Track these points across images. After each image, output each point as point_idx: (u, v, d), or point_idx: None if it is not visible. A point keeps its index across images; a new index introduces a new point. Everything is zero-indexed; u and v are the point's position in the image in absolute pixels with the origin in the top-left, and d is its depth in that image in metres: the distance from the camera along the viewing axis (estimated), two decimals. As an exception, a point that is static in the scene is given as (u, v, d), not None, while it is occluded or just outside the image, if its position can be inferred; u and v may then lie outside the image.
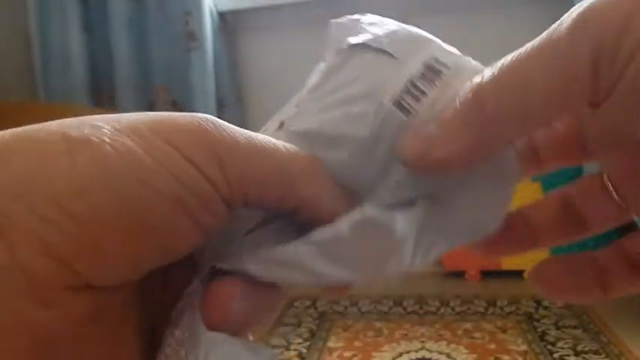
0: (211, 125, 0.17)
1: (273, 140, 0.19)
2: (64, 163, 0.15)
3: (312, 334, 1.63)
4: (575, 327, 1.58)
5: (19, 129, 0.17)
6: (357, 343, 1.55)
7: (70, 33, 1.96)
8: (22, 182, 0.15)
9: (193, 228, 0.16)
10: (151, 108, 2.00)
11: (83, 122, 0.17)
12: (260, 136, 0.18)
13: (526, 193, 2.03)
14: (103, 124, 0.16)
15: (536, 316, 1.66)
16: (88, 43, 2.01)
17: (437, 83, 0.21)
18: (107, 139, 0.16)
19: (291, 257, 0.18)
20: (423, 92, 0.21)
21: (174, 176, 0.16)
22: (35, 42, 2.05)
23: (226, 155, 0.17)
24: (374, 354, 1.49)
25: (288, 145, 0.19)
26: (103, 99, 2.06)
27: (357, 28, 0.24)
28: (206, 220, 0.17)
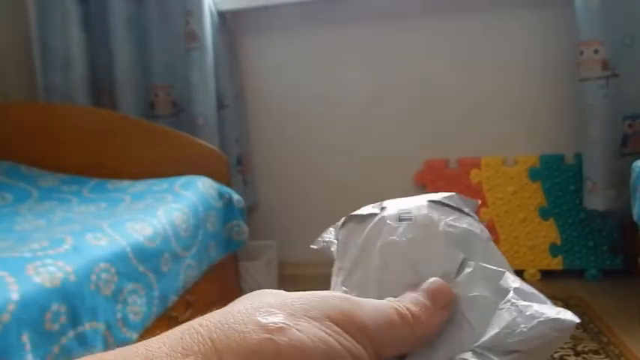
0: (354, 304, 0.25)
1: (387, 311, 0.25)
2: (268, 346, 0.21)
3: (312, 334, 1.63)
4: (575, 327, 1.58)
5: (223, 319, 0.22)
6: (357, 343, 1.55)
7: (70, 33, 1.96)
8: None
9: None
10: (151, 108, 2.01)
11: (267, 310, 0.23)
12: (375, 308, 0.25)
13: (526, 192, 2.04)
14: (279, 311, 0.23)
15: (536, 316, 1.66)
16: (88, 42, 2.01)
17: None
18: (294, 325, 0.22)
19: None
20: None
21: (350, 354, 0.23)
22: (35, 42, 2.05)
23: (372, 332, 0.24)
24: (374, 354, 1.49)
25: (396, 315, 0.26)
26: (103, 99, 2.06)
27: None
28: None
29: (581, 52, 1.71)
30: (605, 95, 1.69)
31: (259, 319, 0.22)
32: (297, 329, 0.22)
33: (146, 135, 1.80)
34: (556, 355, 1.42)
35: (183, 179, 1.61)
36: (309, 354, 0.21)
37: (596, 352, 1.43)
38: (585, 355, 1.42)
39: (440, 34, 1.99)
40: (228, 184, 1.75)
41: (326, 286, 0.28)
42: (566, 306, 1.72)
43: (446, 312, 0.27)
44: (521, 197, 1.93)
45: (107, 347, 1.04)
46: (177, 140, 1.79)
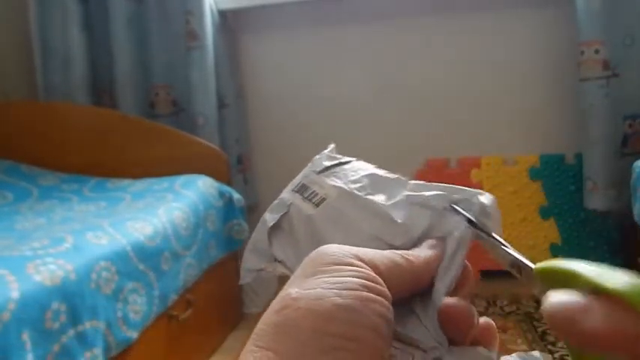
0: (354, 248, 0.28)
1: (399, 257, 0.30)
2: (292, 313, 0.25)
3: (312, 333, 1.63)
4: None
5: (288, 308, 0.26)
6: (357, 343, 1.55)
7: (70, 32, 1.96)
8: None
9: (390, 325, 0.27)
10: (151, 107, 2.01)
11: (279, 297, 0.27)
12: (376, 252, 0.29)
13: (526, 192, 2.03)
14: (287, 289, 0.26)
15: (536, 316, 1.66)
16: (88, 42, 2.01)
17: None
18: (302, 288, 0.26)
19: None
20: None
21: (366, 278, 0.26)
22: (35, 42, 2.05)
23: (381, 271, 0.28)
24: (374, 353, 1.48)
25: (410, 256, 0.31)
26: (103, 99, 2.06)
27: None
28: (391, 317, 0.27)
29: (582, 52, 1.71)
30: (605, 95, 1.69)
31: (277, 307, 0.26)
32: (306, 288, 0.26)
33: (146, 134, 1.80)
34: (556, 355, 1.42)
35: (183, 178, 1.61)
36: (324, 300, 0.25)
37: (596, 352, 1.43)
38: (585, 355, 1.42)
39: (440, 34, 1.99)
40: (229, 184, 1.75)
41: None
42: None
43: (432, 250, 0.32)
44: (522, 197, 1.93)
45: (107, 346, 1.04)
46: (177, 139, 1.79)
